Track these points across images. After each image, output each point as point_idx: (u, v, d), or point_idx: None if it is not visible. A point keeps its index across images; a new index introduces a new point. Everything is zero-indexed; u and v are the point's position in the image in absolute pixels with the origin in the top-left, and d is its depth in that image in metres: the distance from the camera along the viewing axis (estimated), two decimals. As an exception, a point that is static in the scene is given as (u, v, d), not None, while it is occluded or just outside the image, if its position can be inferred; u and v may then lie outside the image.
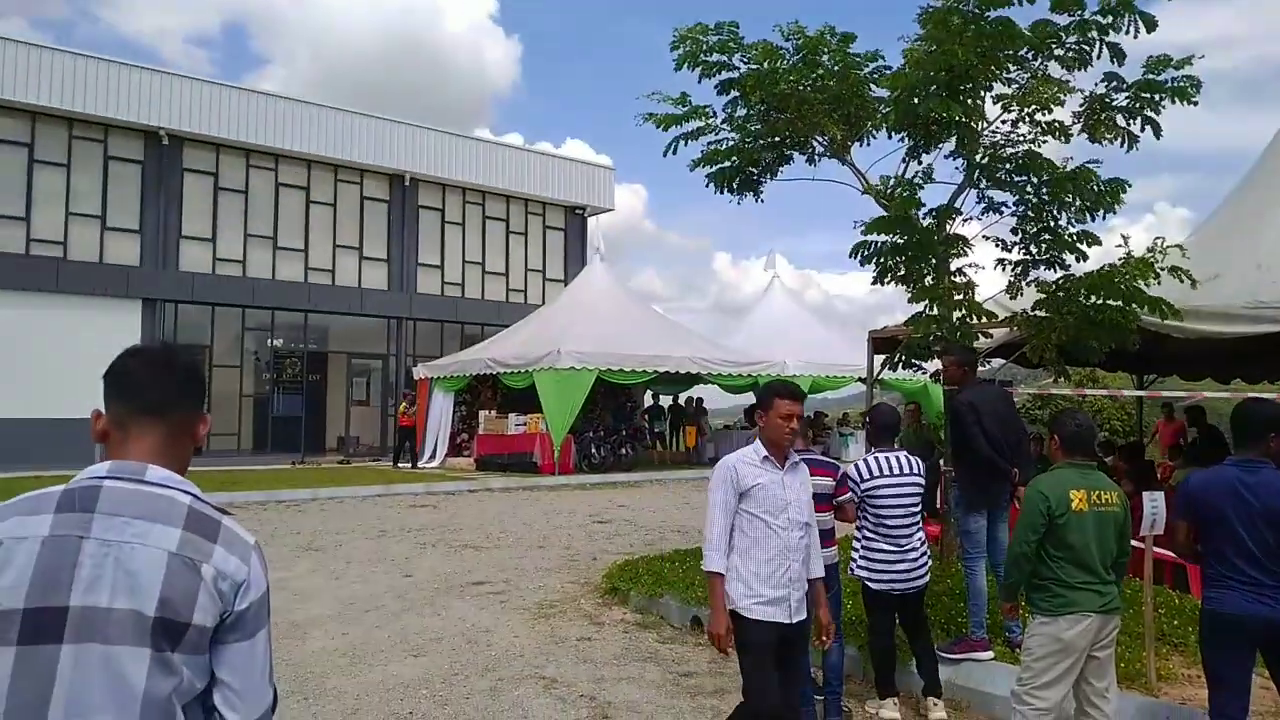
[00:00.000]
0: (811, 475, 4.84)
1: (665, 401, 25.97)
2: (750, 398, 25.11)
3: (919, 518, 4.92)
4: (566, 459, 19.44)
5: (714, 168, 7.15)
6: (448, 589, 8.22)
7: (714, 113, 7.01)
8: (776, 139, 6.97)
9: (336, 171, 24.96)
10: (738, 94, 6.78)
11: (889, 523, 4.81)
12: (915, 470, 4.92)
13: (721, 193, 7.27)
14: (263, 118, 23.34)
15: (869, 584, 4.88)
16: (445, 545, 10.73)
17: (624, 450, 21.38)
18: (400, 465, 21.03)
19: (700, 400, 25.08)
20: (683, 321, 25.48)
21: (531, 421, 19.99)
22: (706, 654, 6.12)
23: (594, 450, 20.61)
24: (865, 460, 4.95)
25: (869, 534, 4.90)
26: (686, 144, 7.21)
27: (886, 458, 4.91)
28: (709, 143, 7.21)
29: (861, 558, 4.92)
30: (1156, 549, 5.07)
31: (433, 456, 21.77)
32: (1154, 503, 4.82)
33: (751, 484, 3.65)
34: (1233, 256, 7.46)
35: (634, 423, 23.59)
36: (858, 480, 4.88)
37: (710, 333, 25.59)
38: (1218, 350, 8.65)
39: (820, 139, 6.94)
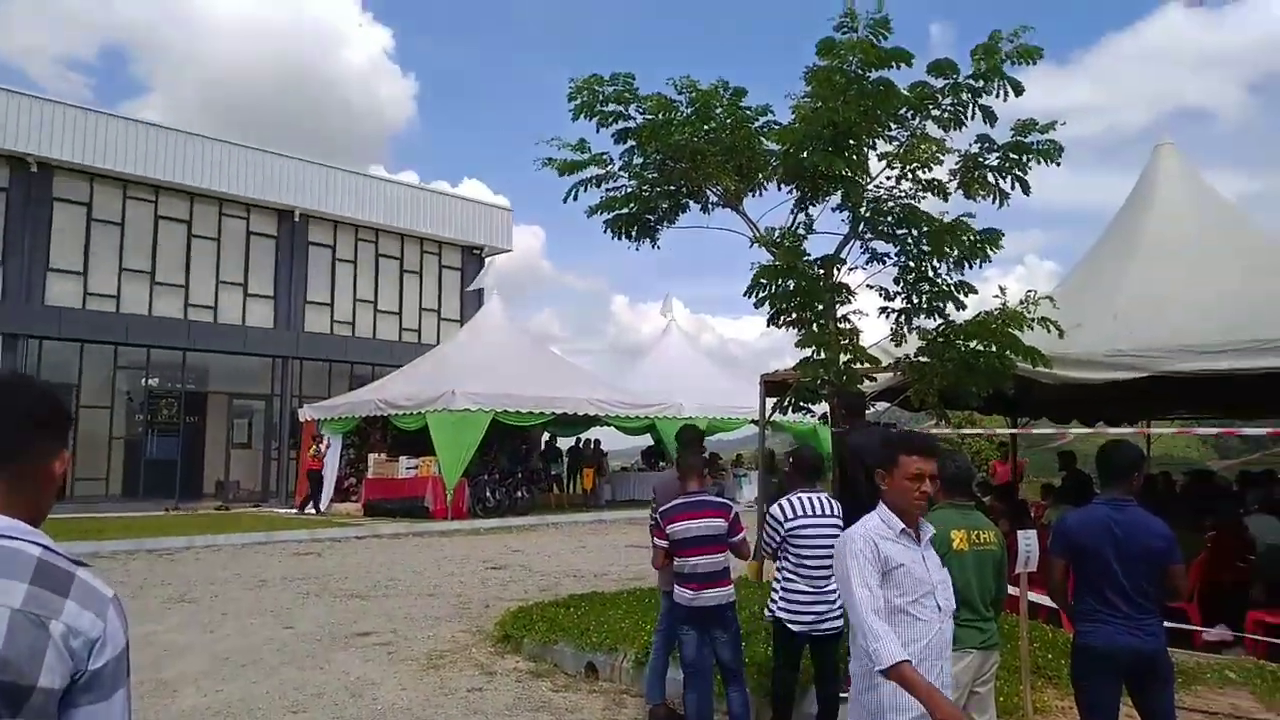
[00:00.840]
0: (705, 517, 4.91)
1: (564, 444, 25.82)
2: (647, 440, 25.42)
3: None
4: (460, 503, 19.02)
5: (611, 214, 7.24)
6: (331, 641, 7.88)
7: (611, 160, 7.12)
8: (672, 188, 7.12)
9: (221, 205, 24.11)
10: (634, 143, 6.91)
11: (809, 563, 4.81)
12: (835, 512, 4.96)
13: (619, 239, 7.36)
14: (142, 147, 22.39)
15: (788, 624, 4.83)
16: (329, 594, 10.30)
17: (520, 493, 21.09)
18: (307, 511, 20.15)
19: (598, 442, 25.04)
20: (580, 363, 25.44)
21: (424, 464, 19.50)
22: (601, 701, 6.05)
23: (489, 494, 20.25)
24: (790, 500, 4.96)
25: (789, 574, 4.88)
26: (586, 190, 7.28)
27: (810, 498, 4.95)
28: (607, 189, 7.31)
29: (781, 598, 4.88)
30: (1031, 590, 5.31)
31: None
32: (1028, 541, 5.06)
33: (896, 564, 2.95)
34: (1093, 308, 8.02)
35: (530, 465, 23.33)
36: (781, 520, 4.88)
37: (608, 374, 25.70)
38: (1083, 394, 9.22)
39: (714, 189, 7.12)
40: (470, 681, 6.53)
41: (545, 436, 25.19)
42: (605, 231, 7.33)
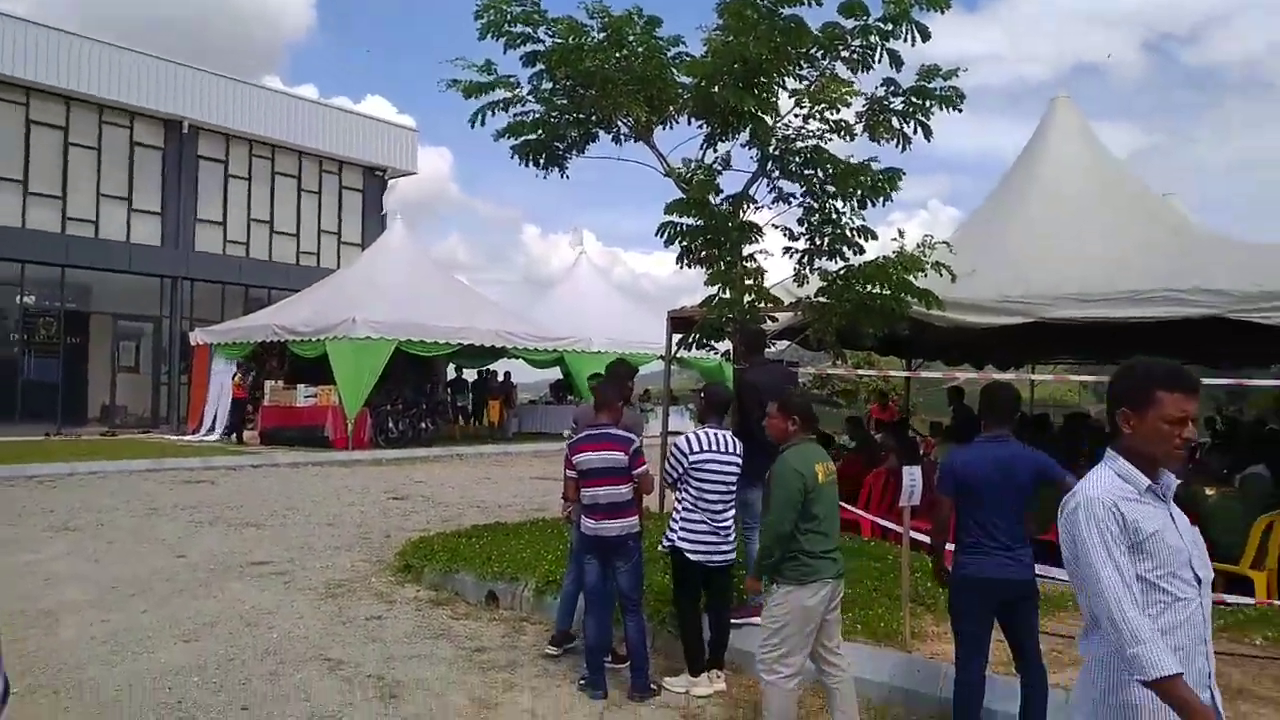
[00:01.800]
0: (606, 449, 4.97)
1: (472, 375, 25.54)
2: (556, 373, 25.38)
3: (733, 495, 5.08)
4: (361, 433, 18.69)
5: (519, 140, 7.08)
6: (225, 570, 7.73)
7: (520, 84, 6.94)
8: (582, 116, 6.99)
9: (101, 112, 22.48)
10: (543, 68, 6.74)
11: (709, 497, 4.93)
12: (738, 450, 5.08)
13: (526, 165, 7.21)
14: (10, 44, 20.59)
15: (687, 554, 4.95)
16: (224, 523, 10.06)
17: (424, 425, 20.85)
18: (230, 439, 19.54)
19: (508, 374, 24.87)
20: (490, 293, 25.09)
21: (323, 393, 19.03)
22: (500, 628, 6.14)
23: (391, 424, 19.95)
24: (696, 434, 5.05)
25: (689, 506, 4.98)
26: (493, 114, 7.09)
27: (715, 435, 5.05)
28: (515, 114, 7.13)
29: (681, 528, 4.98)
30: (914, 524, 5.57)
31: (211, 429, 20.31)
32: (912, 477, 5.30)
33: (1148, 531, 2.28)
34: (986, 255, 8.30)
35: (435, 397, 23.05)
36: (685, 453, 4.97)
37: (518, 306, 25.41)
38: (974, 338, 9.61)
39: (625, 119, 7.03)
40: (369, 610, 6.52)
41: (451, 368, 24.89)
42: (513, 157, 7.18)
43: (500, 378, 24.79)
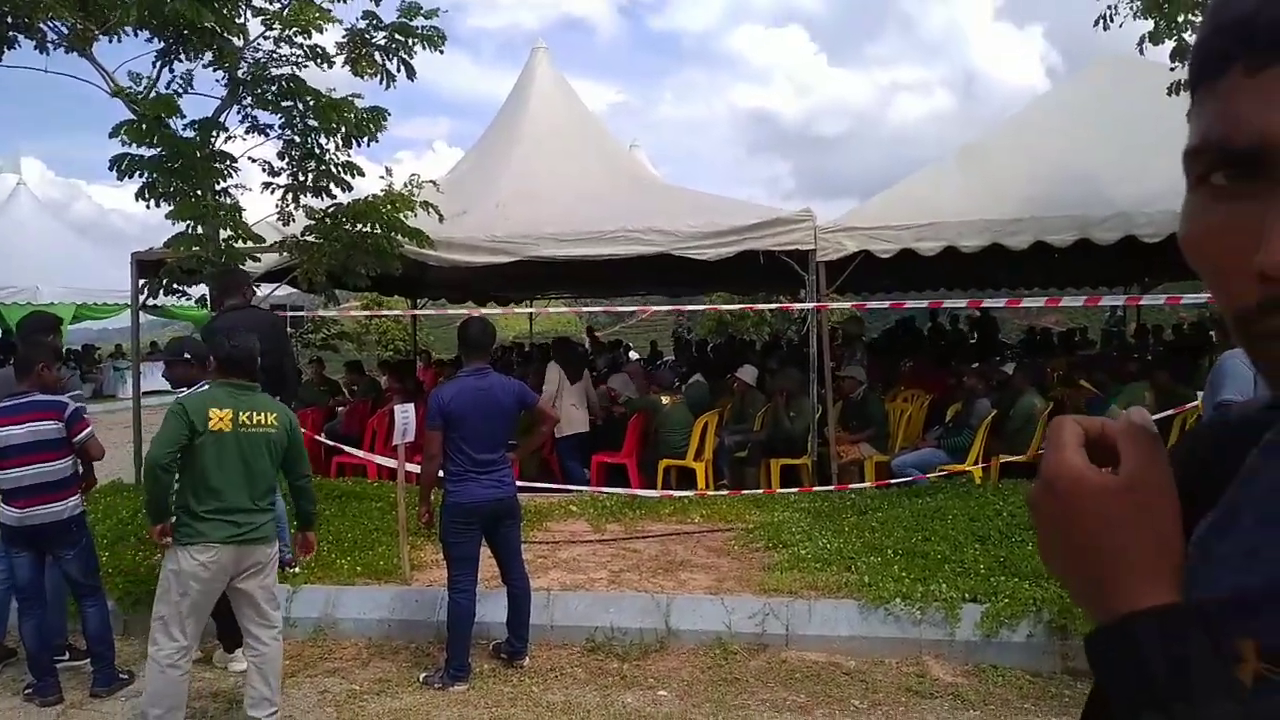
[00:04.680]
0: (31, 420, 4.21)
1: None
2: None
3: None
4: None
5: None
6: None
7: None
8: (-10, 12, 5.67)
9: None
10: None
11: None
12: None
13: (-95, 65, 5.68)
14: None
15: None
16: None
17: None
18: None
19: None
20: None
21: None
22: None
23: None
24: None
25: None
26: None
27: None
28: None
29: None
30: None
31: None
32: (405, 413, 5.37)
33: None
34: (478, 196, 8.63)
35: None
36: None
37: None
38: (474, 276, 9.97)
39: (51, 24, 5.87)
40: None
41: None
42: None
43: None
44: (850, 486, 6.94)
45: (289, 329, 7.88)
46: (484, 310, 14.06)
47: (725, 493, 6.94)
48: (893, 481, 6.87)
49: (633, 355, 16.52)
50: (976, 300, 12.20)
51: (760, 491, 7.12)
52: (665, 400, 8.45)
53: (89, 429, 4.36)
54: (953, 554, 5.28)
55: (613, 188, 9.14)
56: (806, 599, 4.85)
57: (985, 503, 6.18)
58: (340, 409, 9.58)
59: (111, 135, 5.64)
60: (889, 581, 4.89)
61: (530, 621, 4.55)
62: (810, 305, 7.36)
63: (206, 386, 3.94)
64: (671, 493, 6.85)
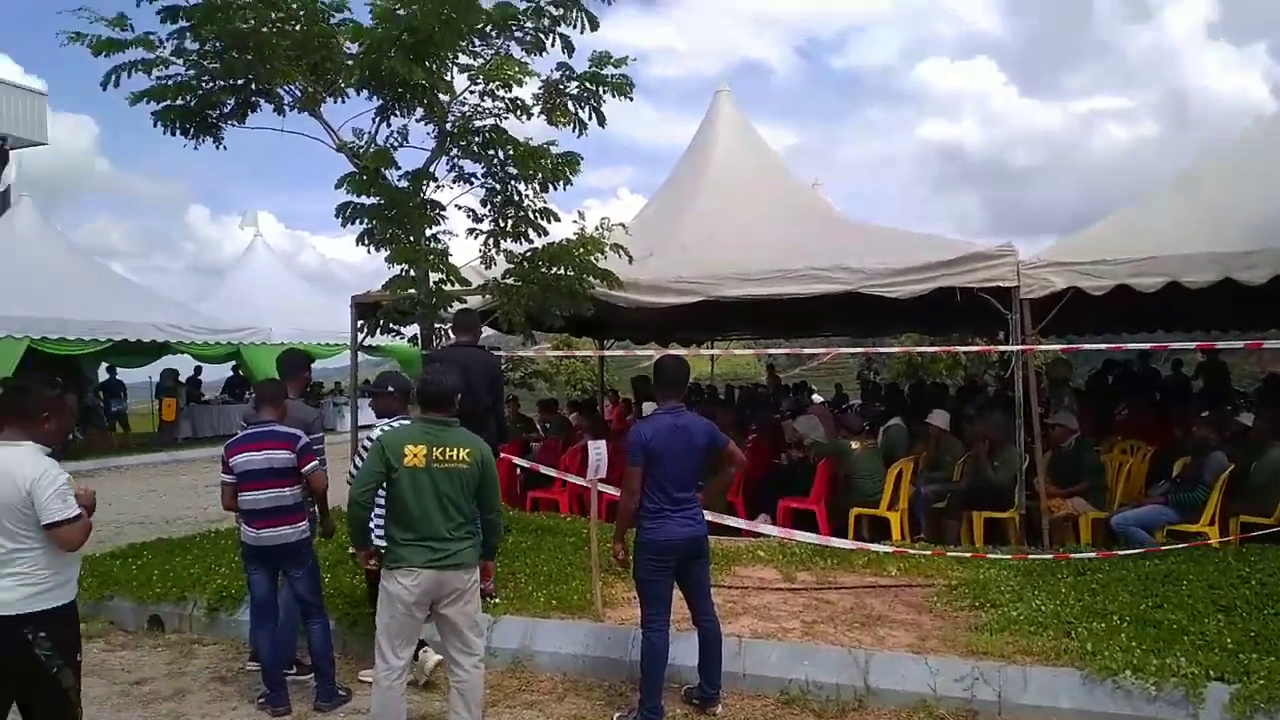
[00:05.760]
0: (266, 448, 4.57)
1: (141, 377, 22.44)
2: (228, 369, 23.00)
3: None
4: (-14, 448, 15.79)
5: (161, 105, 6.28)
6: None
7: (161, 42, 6.13)
8: (238, 82, 6.34)
9: None
10: (186, 25, 6.01)
11: None
12: None
13: (173, 134, 6.42)
14: None
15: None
16: None
17: (70, 436, 18.09)
18: None
19: (176, 372, 22.12)
20: (153, 283, 22.26)
21: (-68, 405, 15.84)
22: (166, 655, 5.50)
23: (27, 437, 17.06)
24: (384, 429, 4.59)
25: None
26: (130, 75, 6.21)
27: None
28: (158, 77, 6.31)
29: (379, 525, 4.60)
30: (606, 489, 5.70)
31: None
32: (598, 450, 5.44)
33: None
34: (663, 238, 8.75)
35: (84, 402, 20.06)
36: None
37: (186, 296, 22.78)
38: (658, 317, 10.11)
39: (287, 89, 6.49)
40: None
41: (104, 368, 21.83)
42: (155, 125, 6.36)
43: (182, 376, 22.09)
44: (1071, 556, 6.03)
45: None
46: (666, 351, 14.19)
47: (929, 551, 6.48)
48: (1121, 553, 6.07)
49: (816, 398, 16.14)
50: (1207, 342, 11.01)
51: (968, 555, 6.45)
52: (855, 445, 8.14)
53: (315, 462, 4.69)
54: (1191, 624, 4.71)
55: (798, 226, 9.02)
56: (1020, 664, 4.45)
57: (1227, 568, 5.50)
58: (535, 444, 9.92)
59: (336, 186, 6.13)
60: (1116, 651, 4.41)
61: (722, 668, 4.44)
62: (1016, 347, 6.87)
63: (407, 422, 4.13)
64: (867, 545, 6.50)
